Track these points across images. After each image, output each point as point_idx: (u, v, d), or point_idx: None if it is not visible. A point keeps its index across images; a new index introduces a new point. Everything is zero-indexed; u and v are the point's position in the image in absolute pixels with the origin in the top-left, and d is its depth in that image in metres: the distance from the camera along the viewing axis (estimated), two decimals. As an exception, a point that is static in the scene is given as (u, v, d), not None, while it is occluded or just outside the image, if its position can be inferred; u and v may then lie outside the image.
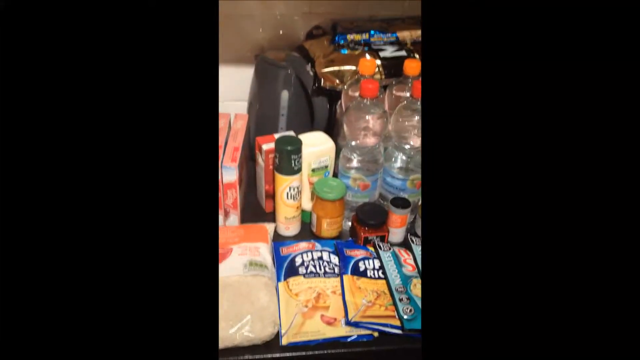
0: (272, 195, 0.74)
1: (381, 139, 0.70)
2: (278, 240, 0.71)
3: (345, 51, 0.77)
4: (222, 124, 0.74)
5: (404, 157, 0.71)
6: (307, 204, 0.74)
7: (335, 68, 0.75)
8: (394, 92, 0.75)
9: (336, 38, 0.78)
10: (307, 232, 0.73)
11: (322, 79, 0.75)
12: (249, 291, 0.57)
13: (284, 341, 0.55)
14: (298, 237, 0.72)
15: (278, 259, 0.66)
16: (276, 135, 0.72)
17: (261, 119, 0.82)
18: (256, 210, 0.77)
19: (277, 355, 0.54)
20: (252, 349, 0.54)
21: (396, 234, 0.71)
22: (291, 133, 0.75)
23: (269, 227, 0.70)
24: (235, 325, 0.53)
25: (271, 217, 0.75)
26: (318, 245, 0.68)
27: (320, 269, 0.64)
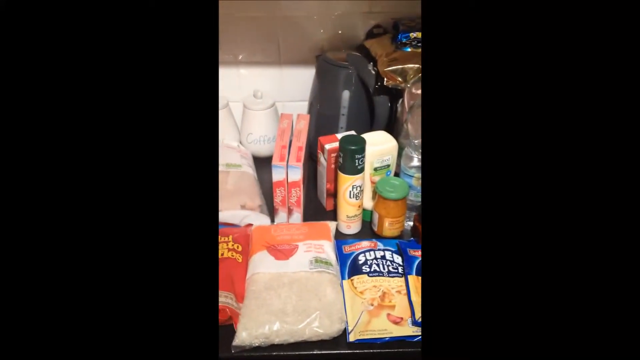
0: (333, 194, 0.75)
1: (446, 137, 0.69)
2: (339, 238, 0.72)
3: (408, 49, 0.77)
4: (285, 124, 0.75)
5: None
6: (369, 203, 0.74)
7: (398, 66, 0.75)
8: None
9: (399, 36, 0.78)
10: (367, 230, 0.74)
11: (385, 78, 0.75)
12: (315, 287, 0.59)
13: (352, 338, 0.55)
14: (359, 236, 0.73)
15: (341, 256, 0.66)
16: (338, 135, 0.73)
17: (321, 118, 0.83)
18: (317, 208, 0.78)
19: (345, 351, 0.55)
20: (321, 344, 0.55)
21: (460, 234, 0.69)
22: (352, 132, 0.76)
23: (331, 225, 0.71)
24: (304, 320, 0.55)
25: (331, 215, 0.76)
26: (380, 245, 0.68)
27: (383, 268, 0.64)
